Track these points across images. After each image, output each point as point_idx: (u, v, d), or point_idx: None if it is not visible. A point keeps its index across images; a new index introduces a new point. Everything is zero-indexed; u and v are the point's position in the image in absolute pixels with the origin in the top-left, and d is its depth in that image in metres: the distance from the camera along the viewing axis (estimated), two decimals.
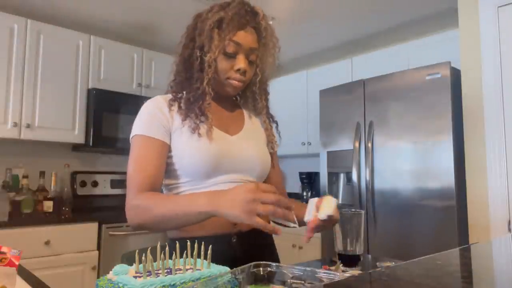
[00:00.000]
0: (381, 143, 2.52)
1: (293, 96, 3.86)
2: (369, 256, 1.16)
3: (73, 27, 2.98)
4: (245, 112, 1.17)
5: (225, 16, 1.00)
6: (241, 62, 1.01)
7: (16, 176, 2.69)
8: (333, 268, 0.94)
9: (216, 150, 0.99)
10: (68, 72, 2.85)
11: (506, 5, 2.10)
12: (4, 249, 0.72)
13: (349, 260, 0.95)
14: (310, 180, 3.75)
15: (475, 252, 0.62)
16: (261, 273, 0.73)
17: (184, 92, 1.05)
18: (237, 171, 1.03)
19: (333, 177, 2.91)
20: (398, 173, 2.42)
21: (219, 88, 1.06)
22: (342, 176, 2.90)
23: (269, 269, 0.74)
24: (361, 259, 0.96)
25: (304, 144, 3.70)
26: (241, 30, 1.00)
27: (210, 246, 0.76)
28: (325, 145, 2.91)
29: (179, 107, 1.03)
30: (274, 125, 1.20)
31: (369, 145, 2.56)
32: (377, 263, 1.05)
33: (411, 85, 2.40)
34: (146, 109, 1.03)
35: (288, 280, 0.72)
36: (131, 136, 1.01)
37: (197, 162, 0.98)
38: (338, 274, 0.76)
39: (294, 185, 4.11)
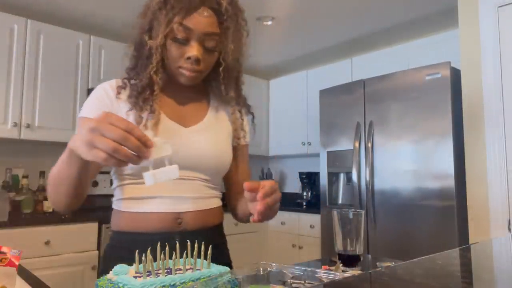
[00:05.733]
0: (381, 143, 2.52)
1: (293, 96, 3.86)
2: (369, 256, 1.16)
3: (73, 27, 2.98)
4: (213, 102, 1.05)
5: None
6: (192, 50, 0.88)
7: (16, 176, 2.69)
8: (333, 268, 0.94)
9: None
10: (68, 72, 2.85)
11: (506, 5, 2.10)
12: (4, 249, 0.72)
13: (349, 260, 0.95)
14: (310, 180, 3.75)
15: (475, 252, 0.62)
16: (261, 273, 0.73)
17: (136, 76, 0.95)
18: (186, 167, 0.92)
19: (333, 177, 2.91)
20: (398, 173, 2.42)
21: (173, 76, 0.95)
22: (342, 176, 2.90)
23: (269, 269, 0.74)
24: (361, 259, 0.96)
25: (304, 144, 3.69)
26: (192, 12, 0.85)
27: (210, 246, 0.75)
28: (325, 145, 2.91)
29: (129, 96, 0.94)
30: (250, 118, 1.08)
31: (369, 145, 2.56)
32: (377, 263, 1.05)
33: (411, 85, 2.40)
34: (95, 92, 0.96)
35: (288, 280, 0.72)
36: (77, 118, 0.97)
37: None
38: (338, 274, 0.76)
39: (294, 185, 4.11)
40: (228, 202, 1.11)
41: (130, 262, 0.75)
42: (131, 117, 0.91)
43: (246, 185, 0.78)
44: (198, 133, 0.97)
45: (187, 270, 0.70)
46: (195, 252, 0.73)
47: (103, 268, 0.95)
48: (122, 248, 0.93)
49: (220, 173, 1.02)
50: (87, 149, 0.64)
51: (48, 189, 0.86)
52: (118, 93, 0.94)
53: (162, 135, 0.91)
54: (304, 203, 3.72)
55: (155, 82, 0.90)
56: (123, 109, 0.93)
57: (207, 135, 0.98)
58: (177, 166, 0.68)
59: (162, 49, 0.88)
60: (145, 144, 0.64)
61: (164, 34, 0.86)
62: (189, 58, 0.88)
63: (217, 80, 0.99)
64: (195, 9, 0.85)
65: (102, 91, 0.95)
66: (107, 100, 0.93)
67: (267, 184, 0.78)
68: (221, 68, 0.95)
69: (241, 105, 1.05)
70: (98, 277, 0.94)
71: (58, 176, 0.80)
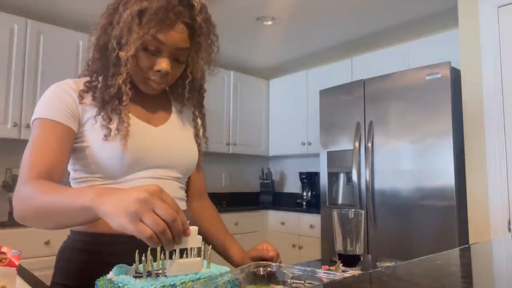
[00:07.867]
0: (381, 143, 2.52)
1: (293, 96, 3.86)
2: (369, 256, 1.16)
3: (73, 27, 2.98)
4: (174, 104, 1.05)
5: (148, 7, 0.82)
6: (162, 64, 0.86)
7: (16, 176, 2.68)
8: (333, 268, 0.94)
9: (135, 143, 0.88)
10: (68, 72, 2.84)
11: (506, 5, 2.10)
12: (4, 249, 0.72)
13: (349, 260, 0.95)
14: (310, 180, 3.75)
15: (475, 252, 0.62)
16: (261, 273, 0.73)
17: (100, 80, 0.92)
18: (159, 166, 0.93)
19: (333, 177, 2.91)
20: (398, 173, 2.42)
21: (137, 84, 0.92)
22: (342, 176, 2.90)
23: (269, 269, 0.74)
24: (361, 259, 0.96)
25: (304, 144, 3.69)
26: (167, 26, 0.83)
27: (210, 246, 0.76)
28: (325, 145, 2.91)
29: (93, 99, 0.90)
30: (202, 117, 1.09)
31: (369, 145, 2.56)
32: (377, 263, 1.05)
33: (411, 85, 2.40)
34: (52, 91, 0.89)
35: (288, 280, 0.72)
36: (31, 121, 0.88)
37: (112, 156, 0.87)
38: (338, 274, 0.76)
39: (294, 185, 4.11)
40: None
41: (105, 263, 0.74)
42: (98, 122, 0.88)
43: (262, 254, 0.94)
44: (168, 132, 0.98)
45: None
46: (195, 252, 0.73)
47: (65, 268, 0.90)
48: (96, 251, 0.88)
49: (190, 171, 1.02)
50: (128, 219, 0.57)
51: (27, 211, 0.78)
52: (82, 97, 0.89)
53: (134, 136, 0.89)
54: (304, 203, 3.72)
55: (124, 93, 0.88)
56: (89, 112, 0.89)
57: (177, 133, 1.00)
58: (201, 260, 0.66)
59: (132, 59, 0.86)
60: (184, 232, 0.62)
61: (136, 46, 0.83)
62: (158, 71, 0.87)
63: (181, 89, 1.00)
64: (170, 25, 0.84)
65: (62, 92, 0.89)
66: (68, 99, 0.88)
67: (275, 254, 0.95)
68: (187, 81, 0.96)
69: (202, 114, 1.07)
70: (53, 280, 0.91)
71: (56, 213, 0.72)
